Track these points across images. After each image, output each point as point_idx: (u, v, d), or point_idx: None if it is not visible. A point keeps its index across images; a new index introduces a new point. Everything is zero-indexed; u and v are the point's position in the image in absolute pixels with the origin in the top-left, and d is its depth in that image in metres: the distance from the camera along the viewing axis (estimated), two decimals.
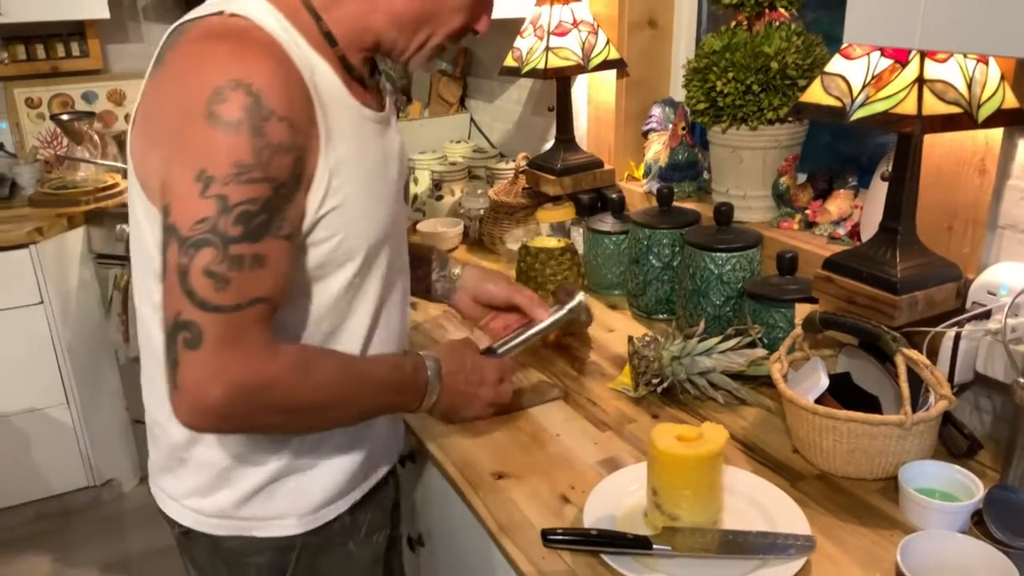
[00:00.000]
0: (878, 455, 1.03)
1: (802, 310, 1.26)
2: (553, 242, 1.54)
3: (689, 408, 1.27)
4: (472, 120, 2.47)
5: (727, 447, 0.96)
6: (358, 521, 1.07)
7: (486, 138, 2.42)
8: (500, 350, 1.20)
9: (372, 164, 0.94)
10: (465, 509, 1.07)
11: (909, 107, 0.96)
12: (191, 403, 0.80)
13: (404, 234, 1.10)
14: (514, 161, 2.05)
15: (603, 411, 1.27)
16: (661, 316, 1.55)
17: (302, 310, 0.93)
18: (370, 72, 0.98)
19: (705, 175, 1.72)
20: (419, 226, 2.00)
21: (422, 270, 1.30)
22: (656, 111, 1.81)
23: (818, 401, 1.10)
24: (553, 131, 1.93)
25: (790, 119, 1.43)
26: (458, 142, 2.35)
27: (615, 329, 1.53)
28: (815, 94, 1.08)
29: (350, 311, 0.97)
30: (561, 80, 1.82)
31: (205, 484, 0.98)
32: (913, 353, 1.03)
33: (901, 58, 0.99)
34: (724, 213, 1.41)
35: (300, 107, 0.83)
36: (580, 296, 1.26)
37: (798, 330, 1.17)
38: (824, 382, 1.10)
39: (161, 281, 0.81)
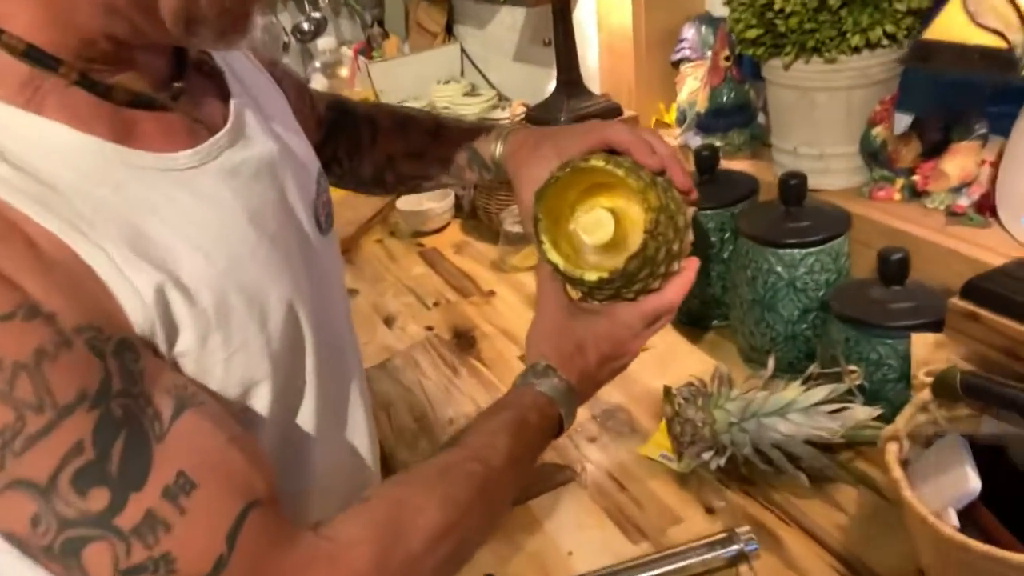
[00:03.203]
0: None
1: (922, 343, 0.85)
2: (603, 225, 0.66)
3: (758, 489, 0.88)
4: (463, 52, 2.02)
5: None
6: None
7: (483, 76, 1.98)
8: None
9: (227, 229, 0.57)
10: None
11: None
12: None
13: (336, 287, 0.74)
14: (511, 108, 1.63)
15: (634, 501, 0.89)
16: (711, 324, 1.15)
17: None
18: (177, 73, 0.59)
19: (760, 118, 1.27)
20: (399, 203, 1.60)
21: (461, 178, 0.87)
22: (689, 33, 1.35)
23: (965, 512, 0.71)
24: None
25: (883, 43, 0.97)
26: (447, 82, 1.91)
27: (648, 347, 1.14)
28: (953, 26, 0.64)
29: (286, 443, 0.64)
30: (558, 2, 1.37)
31: None
32: None
33: None
34: (794, 190, 0.99)
35: (37, 269, 0.46)
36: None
37: (926, 394, 0.76)
38: (974, 487, 0.70)
39: None
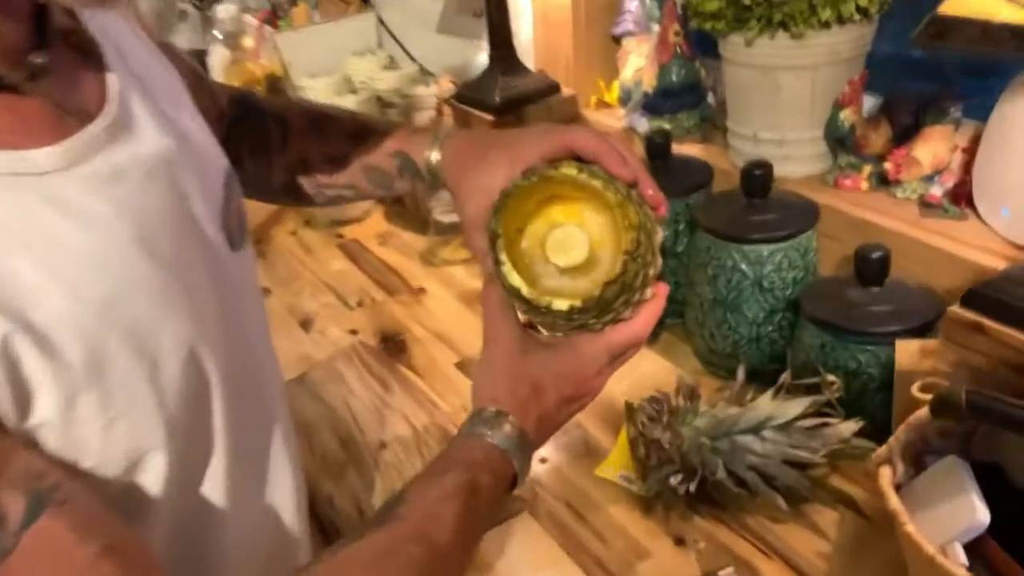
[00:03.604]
0: None
1: (907, 351, 0.77)
2: (576, 244, 0.56)
3: (730, 513, 0.80)
4: (380, 21, 1.86)
5: None
6: None
7: (401, 47, 1.83)
8: None
9: (105, 254, 0.44)
10: None
11: None
12: None
13: (253, 315, 0.61)
14: (437, 84, 1.49)
15: (595, 533, 0.79)
16: (664, 322, 1.06)
17: None
18: (37, 44, 0.45)
19: (710, 98, 1.18)
20: None
21: (390, 188, 0.74)
22: (632, 5, 1.24)
23: (971, 545, 0.64)
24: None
25: (855, 18, 0.89)
26: (363, 54, 1.76)
27: None
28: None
29: (191, 519, 0.52)
30: None
31: None
32: None
33: None
34: (759, 181, 0.90)
35: None
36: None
37: (923, 413, 0.68)
38: (982, 519, 0.63)
39: None
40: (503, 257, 0.55)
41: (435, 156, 0.68)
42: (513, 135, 0.64)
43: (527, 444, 0.58)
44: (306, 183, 0.75)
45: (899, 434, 0.69)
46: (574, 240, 0.55)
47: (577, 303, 0.54)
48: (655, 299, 0.59)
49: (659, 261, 0.58)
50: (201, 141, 0.55)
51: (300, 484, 0.65)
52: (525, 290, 0.55)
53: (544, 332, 0.59)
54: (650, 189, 0.58)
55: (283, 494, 0.61)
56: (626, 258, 0.53)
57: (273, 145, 0.75)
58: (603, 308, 0.55)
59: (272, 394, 0.61)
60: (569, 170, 0.54)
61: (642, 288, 0.57)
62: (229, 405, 0.51)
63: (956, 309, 0.66)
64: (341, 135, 0.74)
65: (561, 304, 0.54)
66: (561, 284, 0.57)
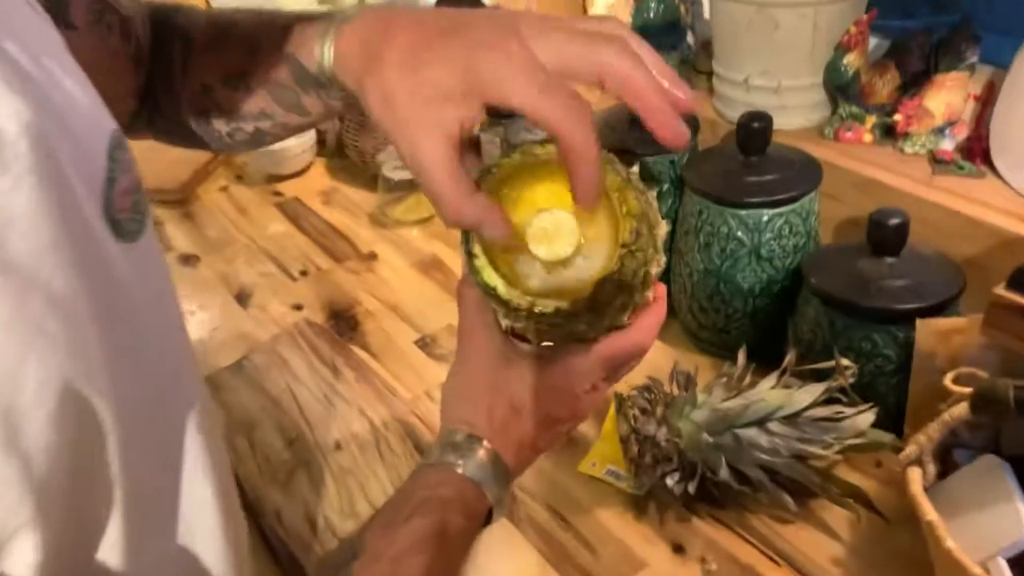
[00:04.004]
0: None
1: (928, 331, 0.69)
2: (564, 233, 0.45)
3: (730, 513, 0.72)
4: None
5: None
6: None
7: None
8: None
9: None
10: None
11: None
12: None
13: (159, 322, 0.47)
14: None
15: (583, 541, 0.71)
16: None
17: None
18: None
19: (689, 38, 1.06)
20: None
21: (302, 109, 0.55)
22: None
23: (1017, 560, 0.56)
24: None
25: None
26: None
27: None
28: None
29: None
30: None
31: None
32: None
33: None
34: (756, 136, 0.79)
35: None
36: None
37: (961, 409, 0.60)
38: None
39: None
40: (477, 250, 0.45)
41: (328, 52, 0.47)
42: (467, 20, 0.42)
43: (503, 473, 0.49)
44: (217, 119, 0.58)
45: (931, 432, 0.61)
46: (561, 228, 0.45)
47: (564, 305, 0.44)
48: (656, 302, 0.49)
49: (662, 258, 0.48)
50: (76, 98, 0.41)
51: (231, 513, 0.53)
52: (502, 289, 0.45)
53: (531, 340, 0.49)
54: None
55: (207, 533, 0.49)
56: (624, 252, 0.44)
57: (176, 72, 0.58)
58: (597, 312, 0.46)
59: (186, 406, 0.48)
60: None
61: (643, 289, 0.47)
62: (126, 445, 0.39)
63: (1003, 292, 0.58)
64: (237, 44, 0.56)
65: (545, 306, 0.44)
66: (546, 281, 0.47)
